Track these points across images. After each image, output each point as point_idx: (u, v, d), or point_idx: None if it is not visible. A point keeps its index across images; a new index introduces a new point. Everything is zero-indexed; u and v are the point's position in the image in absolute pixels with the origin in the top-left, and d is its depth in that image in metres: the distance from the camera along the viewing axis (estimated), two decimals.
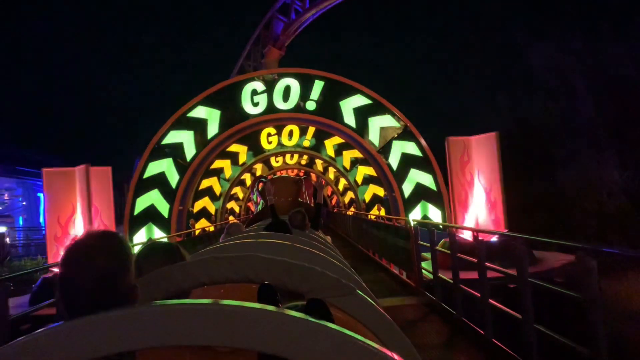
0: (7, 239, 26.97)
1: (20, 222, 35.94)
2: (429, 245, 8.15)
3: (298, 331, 0.89)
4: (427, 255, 8.80)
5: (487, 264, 5.66)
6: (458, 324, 6.39)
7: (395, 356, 0.92)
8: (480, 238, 6.24)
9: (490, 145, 10.27)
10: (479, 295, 5.78)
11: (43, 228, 35.37)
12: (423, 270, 8.63)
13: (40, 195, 36.48)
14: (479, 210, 10.14)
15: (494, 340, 5.41)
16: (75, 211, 10.04)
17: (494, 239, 9.70)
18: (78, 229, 9.89)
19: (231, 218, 24.74)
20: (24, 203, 36.92)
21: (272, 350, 0.88)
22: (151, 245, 1.91)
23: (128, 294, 1.18)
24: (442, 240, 9.44)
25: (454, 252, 6.77)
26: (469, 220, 9.68)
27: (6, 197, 37.36)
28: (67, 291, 1.14)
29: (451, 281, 6.81)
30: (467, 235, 8.71)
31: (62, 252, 1.17)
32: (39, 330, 0.90)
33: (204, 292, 1.80)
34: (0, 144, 31.41)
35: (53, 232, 9.93)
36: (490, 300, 5.59)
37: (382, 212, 18.30)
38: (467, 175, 9.83)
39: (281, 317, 0.91)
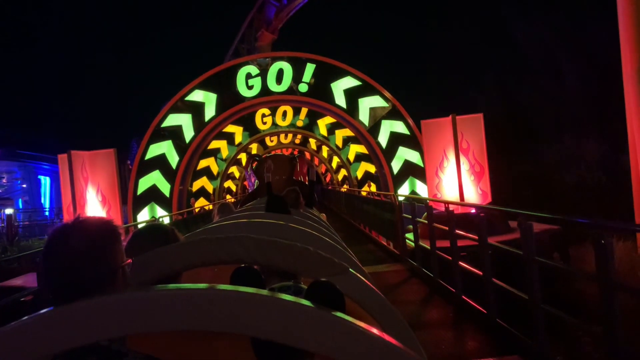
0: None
1: (20, 205, 36.56)
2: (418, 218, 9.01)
3: (293, 316, 0.89)
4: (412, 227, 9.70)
5: (456, 231, 6.54)
6: (434, 285, 7.30)
7: (393, 340, 0.91)
8: (451, 209, 7.10)
9: (477, 125, 11.17)
10: (449, 258, 6.67)
11: (45, 209, 36.19)
12: (407, 240, 9.52)
13: (42, 177, 37.18)
14: (465, 185, 11.01)
15: (463, 297, 6.31)
16: (84, 193, 10.85)
17: (473, 210, 10.53)
18: (91, 209, 10.70)
19: (228, 196, 25.57)
20: (24, 186, 37.47)
21: (265, 335, 0.89)
22: (145, 228, 1.93)
23: (109, 276, 1.21)
24: (425, 212, 10.31)
25: (430, 222, 7.66)
26: (447, 195, 10.56)
27: (5, 180, 37.92)
28: (48, 273, 1.20)
29: (429, 248, 7.70)
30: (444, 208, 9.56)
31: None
32: (27, 316, 0.91)
33: (196, 274, 1.77)
34: (0, 128, 31.84)
35: (69, 212, 10.72)
36: (460, 263, 6.48)
37: (373, 188, 19.13)
38: (445, 153, 10.69)
39: (275, 302, 0.91)
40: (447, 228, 6.92)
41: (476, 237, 5.88)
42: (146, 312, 0.90)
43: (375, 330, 0.91)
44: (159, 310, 0.90)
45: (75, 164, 10.52)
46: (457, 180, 10.61)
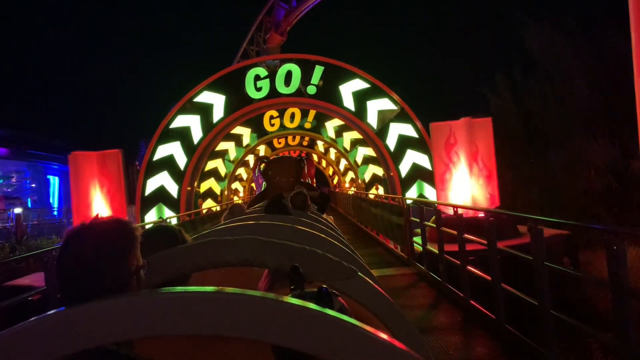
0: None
1: (29, 204, 36.80)
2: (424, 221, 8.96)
3: (300, 320, 0.88)
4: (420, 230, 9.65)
5: (465, 235, 6.48)
6: (442, 289, 7.24)
7: (403, 346, 0.90)
8: (460, 213, 7.04)
9: (486, 128, 11.08)
10: (458, 262, 6.60)
11: (54, 209, 36.40)
12: (414, 244, 9.46)
13: (51, 177, 37.43)
14: (474, 189, 10.91)
15: (471, 302, 6.25)
16: (94, 192, 10.89)
17: (481, 214, 10.45)
18: (98, 209, 10.72)
19: (235, 198, 25.59)
20: (33, 185, 37.74)
21: (272, 339, 0.88)
22: (152, 229, 1.91)
23: (123, 282, 1.19)
24: (434, 216, 10.23)
25: (439, 226, 7.60)
26: (455, 198, 10.48)
27: (14, 179, 38.18)
28: (60, 275, 1.18)
29: (437, 252, 7.64)
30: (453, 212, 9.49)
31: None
32: (33, 318, 0.90)
33: (204, 275, 1.74)
34: (10, 128, 32.07)
35: (78, 212, 10.76)
36: (468, 267, 6.42)
37: (381, 191, 19.06)
38: (453, 157, 10.60)
39: (282, 305, 0.90)
40: (455, 232, 6.87)
41: (485, 242, 5.83)
42: (153, 315, 0.89)
43: (385, 336, 0.90)
44: (167, 314, 0.89)
45: (83, 164, 10.55)
46: (464, 184, 10.53)
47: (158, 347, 1.27)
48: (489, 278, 5.57)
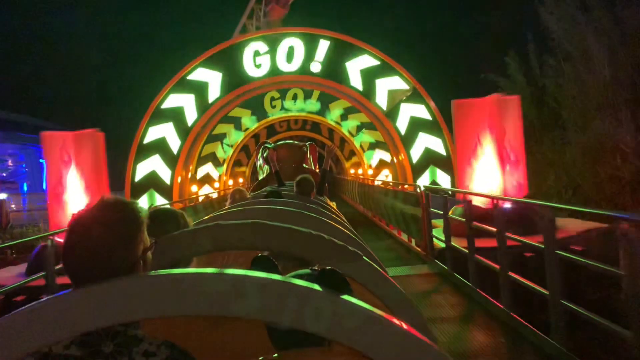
0: (13, 206, 26.89)
1: (25, 189, 35.87)
2: (439, 212, 7.75)
3: (305, 300, 0.89)
4: (436, 222, 8.42)
5: (507, 233, 5.26)
6: (473, 296, 6.04)
7: (404, 325, 0.93)
8: (497, 204, 5.81)
9: (514, 108, 9.71)
10: (497, 266, 5.38)
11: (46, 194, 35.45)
12: (434, 238, 8.24)
13: (43, 161, 36.46)
14: (497, 176, 9.63)
15: (513, 315, 5.06)
16: (70, 175, 9.69)
17: (507, 205, 9.21)
18: (73, 194, 9.54)
19: (237, 184, 24.42)
20: (27, 169, 36.79)
21: (277, 319, 0.89)
22: (154, 212, 1.82)
23: (131, 265, 1.16)
24: (453, 206, 8.98)
25: (470, 220, 6.36)
26: (479, 187, 9.20)
27: (10, 163, 37.16)
28: (67, 261, 1.14)
29: (466, 250, 6.42)
30: (476, 201, 8.22)
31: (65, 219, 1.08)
32: (45, 298, 0.91)
33: (209, 258, 1.83)
34: (1, 110, 31.02)
35: (54, 197, 9.59)
36: (510, 273, 5.20)
37: (389, 178, 17.89)
38: (476, 139, 9.27)
39: (287, 286, 0.92)
40: (491, 228, 5.66)
41: (533, 240, 4.67)
42: (156, 296, 0.91)
43: (388, 316, 0.93)
44: (169, 295, 0.91)
45: (54, 145, 9.35)
46: (491, 170, 9.25)
47: (166, 327, 1.28)
48: (546, 291, 4.35)
